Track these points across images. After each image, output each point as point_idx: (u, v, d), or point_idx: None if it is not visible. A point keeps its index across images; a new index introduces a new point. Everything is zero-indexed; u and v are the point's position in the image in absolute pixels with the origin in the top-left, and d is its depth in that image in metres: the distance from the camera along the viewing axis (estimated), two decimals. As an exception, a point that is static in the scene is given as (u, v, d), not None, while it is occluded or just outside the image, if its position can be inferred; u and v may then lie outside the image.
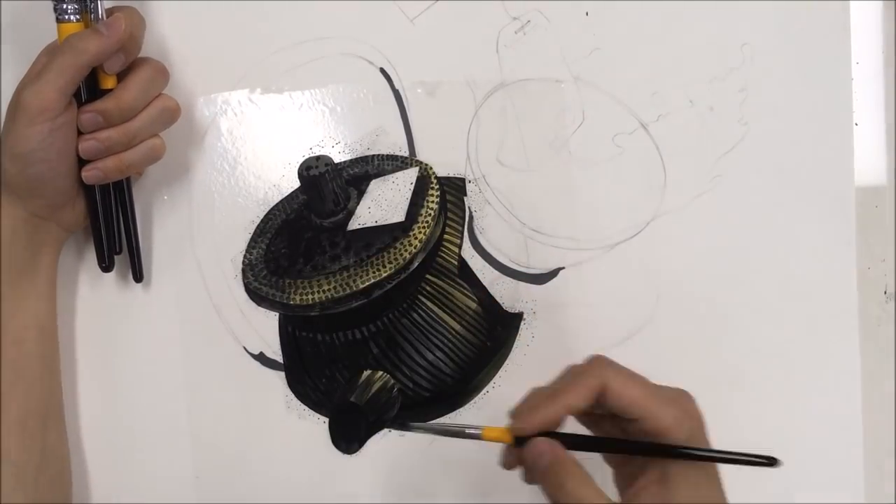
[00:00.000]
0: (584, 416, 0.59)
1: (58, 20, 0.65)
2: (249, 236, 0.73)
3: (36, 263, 0.68)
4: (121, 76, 0.66)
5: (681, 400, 0.57)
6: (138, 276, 0.72)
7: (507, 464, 0.59)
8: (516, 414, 0.57)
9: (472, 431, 0.58)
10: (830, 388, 0.74)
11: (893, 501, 0.75)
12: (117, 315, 0.74)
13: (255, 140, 0.73)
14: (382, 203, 0.72)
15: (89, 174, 0.66)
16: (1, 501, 0.64)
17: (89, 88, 0.66)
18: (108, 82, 0.66)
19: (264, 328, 0.73)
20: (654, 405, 0.56)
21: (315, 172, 0.71)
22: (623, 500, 0.56)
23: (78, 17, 0.65)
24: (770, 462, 0.55)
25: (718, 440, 0.73)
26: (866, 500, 0.74)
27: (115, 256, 0.71)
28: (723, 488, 0.57)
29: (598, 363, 0.57)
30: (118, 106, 0.65)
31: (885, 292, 0.75)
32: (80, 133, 0.65)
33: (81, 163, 0.66)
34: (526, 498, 0.73)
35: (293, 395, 0.73)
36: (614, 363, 0.57)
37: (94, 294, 0.74)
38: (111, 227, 0.70)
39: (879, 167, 0.75)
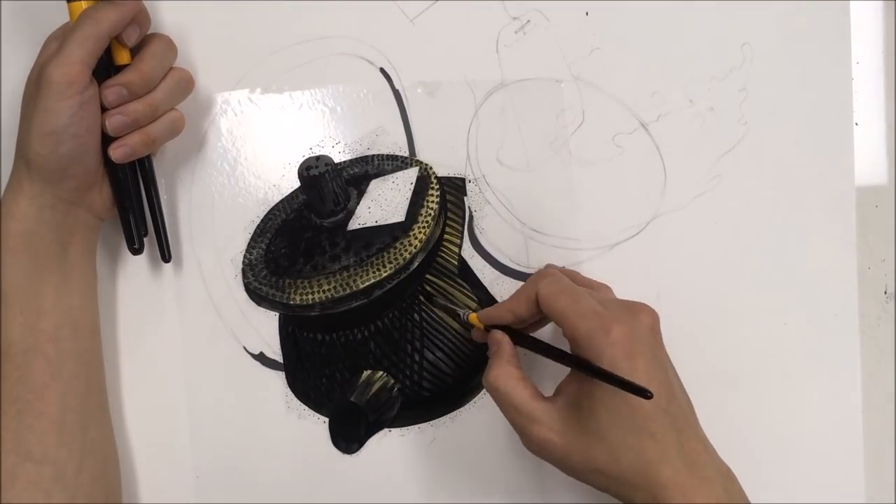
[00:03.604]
0: None
1: (68, 0, 0.65)
2: (249, 236, 0.73)
3: (65, 255, 0.67)
4: (134, 51, 0.67)
5: (610, 316, 0.61)
6: (167, 256, 0.72)
7: (475, 335, 0.71)
8: (483, 311, 0.68)
9: (463, 314, 0.70)
10: (830, 388, 0.74)
11: (893, 501, 0.75)
12: (116, 314, 0.74)
13: (255, 140, 0.73)
14: (382, 203, 0.72)
15: (117, 151, 0.66)
16: (39, 501, 0.64)
17: (105, 67, 0.66)
18: (123, 58, 0.66)
19: (264, 328, 0.73)
20: (571, 315, 0.61)
21: (315, 172, 0.71)
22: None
23: None
24: (643, 393, 0.55)
25: (718, 439, 0.73)
26: (866, 500, 0.74)
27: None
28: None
29: (539, 274, 0.66)
30: (141, 76, 0.65)
31: (885, 292, 0.75)
32: (104, 110, 0.65)
33: (105, 144, 0.66)
34: (527, 497, 0.73)
35: (293, 395, 0.73)
36: (555, 275, 0.65)
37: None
38: (137, 209, 0.70)
39: (879, 167, 0.75)
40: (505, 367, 0.64)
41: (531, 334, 0.68)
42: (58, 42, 0.65)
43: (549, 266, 0.68)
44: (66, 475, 0.65)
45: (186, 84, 0.69)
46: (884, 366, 0.75)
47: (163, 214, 0.72)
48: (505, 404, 0.63)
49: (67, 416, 0.66)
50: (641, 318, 0.62)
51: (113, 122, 0.65)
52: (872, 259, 0.74)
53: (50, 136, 0.63)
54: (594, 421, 0.59)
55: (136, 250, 0.70)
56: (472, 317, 0.69)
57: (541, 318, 0.66)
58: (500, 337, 0.66)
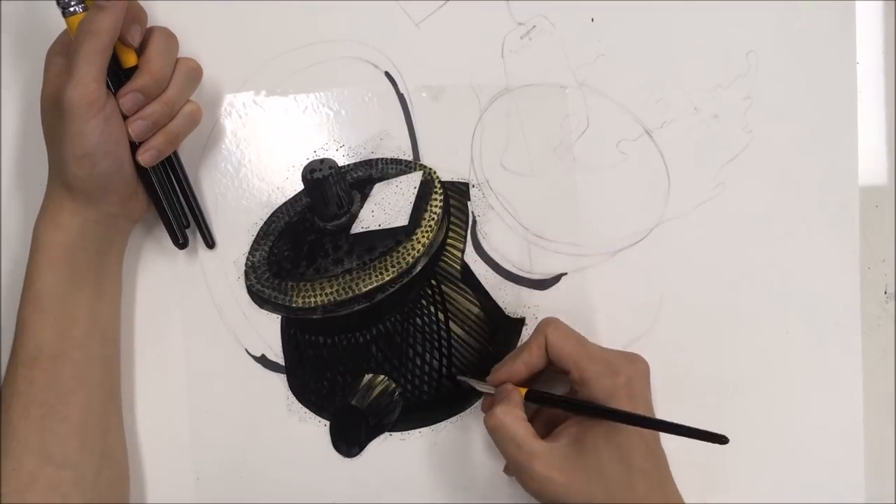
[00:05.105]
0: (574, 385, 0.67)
1: (64, 15, 0.65)
2: (253, 238, 0.73)
3: (103, 264, 0.69)
4: (139, 51, 0.66)
5: (615, 361, 0.65)
6: (210, 243, 0.73)
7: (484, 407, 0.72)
8: (492, 371, 0.69)
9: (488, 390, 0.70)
10: (831, 389, 0.74)
11: (893, 502, 0.75)
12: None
13: (259, 142, 0.73)
14: (386, 207, 0.72)
15: (145, 156, 0.67)
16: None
17: (114, 72, 0.66)
18: (130, 59, 0.66)
19: (266, 330, 0.73)
20: (581, 359, 0.65)
21: (319, 175, 0.71)
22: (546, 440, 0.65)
23: (82, 6, 0.64)
24: (720, 439, 0.58)
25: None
26: (866, 501, 0.75)
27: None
28: (644, 460, 0.63)
29: (544, 323, 0.67)
30: (152, 77, 0.65)
31: (885, 292, 0.75)
32: (124, 118, 0.65)
33: (131, 151, 0.67)
34: (526, 498, 0.73)
35: (294, 398, 0.73)
36: (558, 323, 0.67)
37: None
38: (175, 204, 0.71)
39: (880, 167, 0.75)
40: (511, 408, 0.65)
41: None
42: (61, 58, 0.65)
43: (547, 318, 0.69)
44: (84, 480, 0.66)
45: (196, 73, 0.69)
46: (884, 366, 0.75)
47: (199, 203, 0.72)
48: (508, 441, 0.64)
49: (90, 421, 0.67)
50: (639, 365, 0.65)
51: (135, 127, 0.65)
52: (872, 259, 0.75)
53: (85, 158, 0.63)
54: (595, 458, 0.62)
55: (182, 245, 0.71)
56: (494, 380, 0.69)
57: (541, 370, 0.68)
58: (511, 387, 0.67)
